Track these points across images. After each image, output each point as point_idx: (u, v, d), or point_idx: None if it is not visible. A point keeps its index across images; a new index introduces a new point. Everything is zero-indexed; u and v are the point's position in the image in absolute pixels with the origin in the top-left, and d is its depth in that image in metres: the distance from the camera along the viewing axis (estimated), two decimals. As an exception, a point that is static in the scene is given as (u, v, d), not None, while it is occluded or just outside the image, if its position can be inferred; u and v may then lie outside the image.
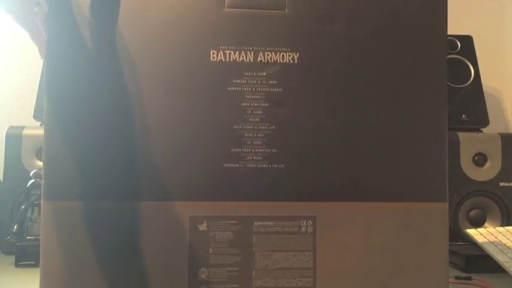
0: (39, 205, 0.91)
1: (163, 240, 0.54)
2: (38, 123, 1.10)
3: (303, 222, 0.56)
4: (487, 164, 1.07)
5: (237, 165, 0.56)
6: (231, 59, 0.56)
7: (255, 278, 0.55)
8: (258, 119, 0.56)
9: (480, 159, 1.07)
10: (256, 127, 0.56)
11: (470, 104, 1.14)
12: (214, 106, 0.56)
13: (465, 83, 1.17)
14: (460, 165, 1.06)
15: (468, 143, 1.07)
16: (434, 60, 0.59)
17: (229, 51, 0.56)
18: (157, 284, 0.54)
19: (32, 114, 1.10)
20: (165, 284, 0.54)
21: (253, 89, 0.57)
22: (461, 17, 1.34)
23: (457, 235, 1.04)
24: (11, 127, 1.04)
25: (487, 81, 1.35)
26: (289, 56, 0.57)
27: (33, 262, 0.87)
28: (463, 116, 1.13)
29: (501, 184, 1.07)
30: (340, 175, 0.57)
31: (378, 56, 0.58)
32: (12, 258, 0.89)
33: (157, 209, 0.54)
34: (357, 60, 0.58)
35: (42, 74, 1.13)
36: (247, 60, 0.57)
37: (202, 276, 0.55)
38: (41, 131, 1.03)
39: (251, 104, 0.56)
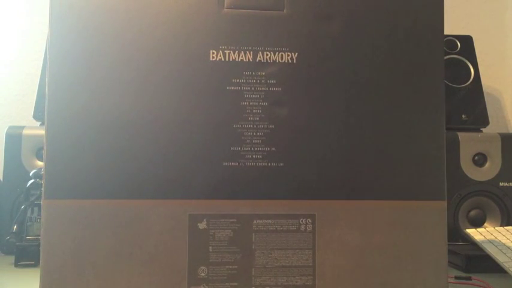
0: (39, 205, 0.91)
1: (163, 238, 0.54)
2: (38, 123, 1.10)
3: (302, 221, 0.56)
4: (487, 164, 1.07)
5: (237, 163, 0.56)
6: (231, 59, 0.57)
7: (254, 276, 0.55)
8: (257, 118, 0.56)
9: (480, 159, 1.07)
10: (255, 126, 0.56)
11: (470, 104, 1.14)
12: (214, 105, 0.56)
13: (465, 83, 1.17)
14: (460, 165, 1.06)
15: (468, 143, 1.07)
16: (432, 59, 0.59)
17: (228, 51, 0.57)
18: (157, 282, 0.54)
19: (32, 114, 1.10)
20: (164, 282, 0.54)
21: (253, 89, 0.57)
22: (461, 17, 1.34)
23: (457, 235, 1.04)
24: (11, 127, 1.05)
25: (487, 81, 1.35)
26: (288, 55, 0.57)
27: (33, 262, 0.87)
28: (463, 116, 1.12)
29: (501, 184, 1.07)
30: (339, 173, 0.57)
31: (375, 56, 0.58)
32: (12, 258, 0.88)
33: (157, 207, 0.55)
34: (355, 60, 0.58)
35: (42, 74, 1.13)
36: (247, 60, 0.57)
37: (202, 274, 0.55)
38: (41, 131, 1.03)
39: (250, 103, 0.57)
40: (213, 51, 0.56)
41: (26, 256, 0.87)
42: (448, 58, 1.17)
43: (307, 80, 0.57)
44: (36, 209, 0.92)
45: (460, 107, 1.14)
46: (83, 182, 0.54)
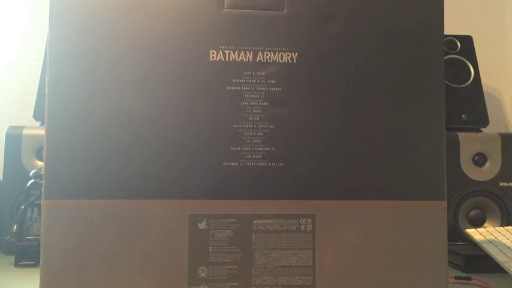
0: (39, 205, 0.92)
1: (163, 238, 0.54)
2: (38, 123, 1.10)
3: (302, 221, 0.56)
4: (487, 164, 1.07)
5: (237, 163, 0.56)
6: (231, 59, 0.57)
7: (254, 276, 0.55)
8: (257, 118, 0.56)
9: (480, 159, 1.07)
10: (255, 126, 0.56)
11: (470, 104, 1.14)
12: (214, 105, 0.56)
13: (465, 83, 1.17)
14: (460, 165, 1.06)
15: (468, 143, 1.07)
16: (432, 59, 0.59)
17: (228, 51, 0.57)
18: (157, 282, 0.54)
19: (32, 114, 1.10)
20: (164, 282, 0.54)
21: (253, 89, 0.57)
22: (461, 17, 1.34)
23: (456, 235, 1.04)
24: (11, 127, 1.05)
25: (487, 81, 1.35)
26: (288, 55, 0.57)
27: (33, 262, 0.87)
28: (463, 116, 1.12)
29: (501, 184, 1.07)
30: (339, 173, 0.57)
31: (375, 56, 0.58)
32: (12, 258, 0.89)
33: (157, 207, 0.55)
34: (355, 60, 0.58)
35: (42, 74, 1.13)
36: (247, 60, 0.57)
37: (202, 274, 0.55)
38: (41, 131, 1.03)
39: (250, 103, 0.57)
40: (213, 51, 0.56)
41: (26, 256, 0.87)
42: (448, 58, 1.17)
43: (307, 80, 0.57)
44: (36, 209, 0.92)
45: (460, 107, 1.14)
46: (83, 182, 0.54)
